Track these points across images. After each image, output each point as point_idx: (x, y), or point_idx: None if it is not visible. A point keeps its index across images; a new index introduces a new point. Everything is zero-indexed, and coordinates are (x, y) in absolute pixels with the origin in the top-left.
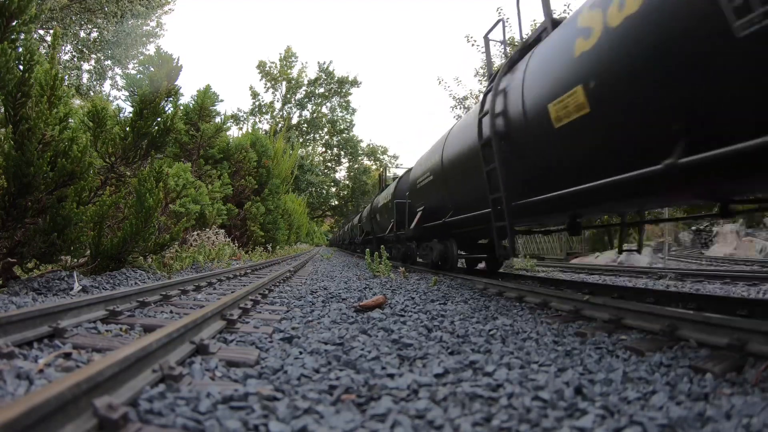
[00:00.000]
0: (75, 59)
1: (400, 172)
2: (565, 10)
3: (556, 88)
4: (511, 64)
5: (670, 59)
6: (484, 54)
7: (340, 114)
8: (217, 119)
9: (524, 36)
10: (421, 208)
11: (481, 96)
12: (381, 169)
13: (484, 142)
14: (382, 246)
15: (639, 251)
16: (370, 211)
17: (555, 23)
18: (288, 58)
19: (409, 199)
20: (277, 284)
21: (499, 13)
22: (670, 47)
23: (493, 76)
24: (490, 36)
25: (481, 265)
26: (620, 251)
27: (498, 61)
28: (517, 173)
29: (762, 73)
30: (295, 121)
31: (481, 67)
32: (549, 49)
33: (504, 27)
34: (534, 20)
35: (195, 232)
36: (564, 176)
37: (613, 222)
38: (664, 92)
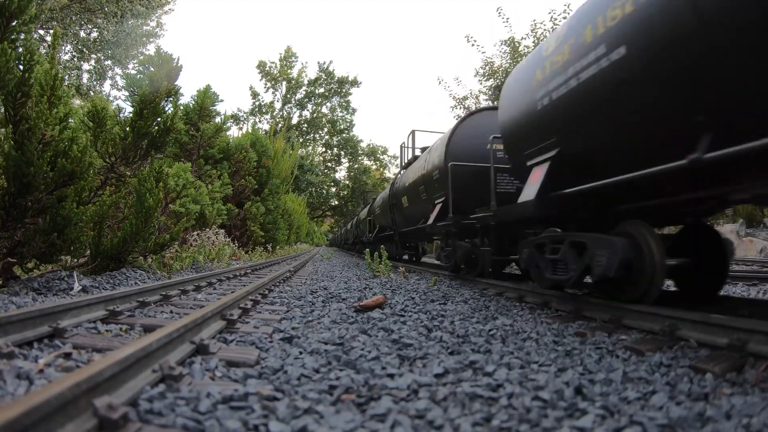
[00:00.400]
0: (75, 59)
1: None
2: (565, 10)
3: (407, 191)
4: (406, 167)
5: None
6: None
7: (340, 114)
8: (217, 119)
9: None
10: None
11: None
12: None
13: (392, 203)
14: (382, 246)
15: None
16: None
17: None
18: (288, 58)
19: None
20: (277, 284)
21: (499, 13)
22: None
23: (399, 171)
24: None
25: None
26: None
27: (498, 60)
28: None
29: None
30: (295, 121)
31: (481, 67)
32: (410, 170)
33: (414, 137)
34: (534, 20)
35: (195, 232)
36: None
37: None
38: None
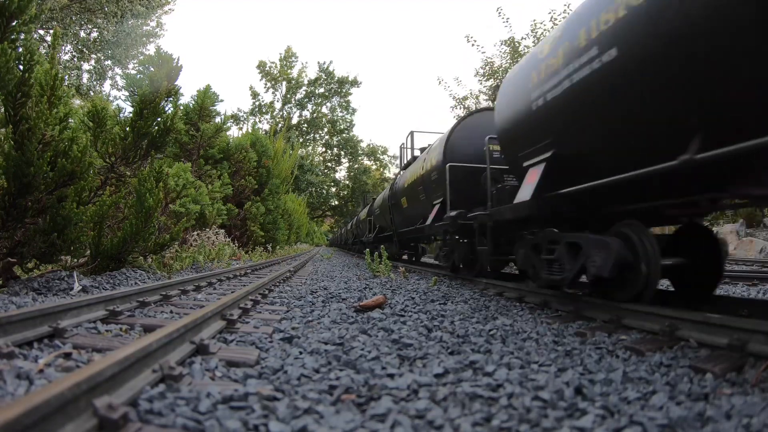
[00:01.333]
0: (75, 59)
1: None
2: (565, 10)
3: (406, 191)
4: (405, 167)
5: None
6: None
7: (340, 114)
8: (217, 119)
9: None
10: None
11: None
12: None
13: (391, 203)
14: (383, 246)
15: None
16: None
17: (417, 155)
18: (288, 58)
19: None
20: (277, 284)
21: (500, 12)
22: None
23: (398, 172)
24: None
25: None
26: None
27: (498, 60)
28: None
29: None
30: (295, 121)
31: (481, 67)
32: (409, 171)
33: (413, 138)
34: (534, 20)
35: (195, 232)
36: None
37: None
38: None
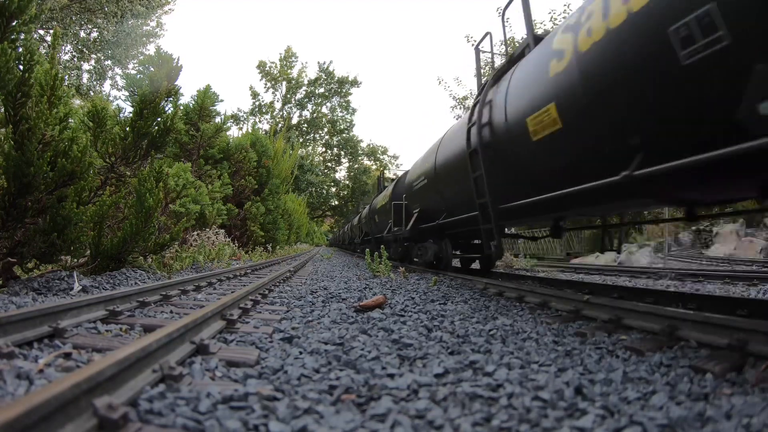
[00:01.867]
0: (75, 59)
1: (399, 173)
2: (565, 10)
3: (534, 103)
4: (498, 77)
5: (629, 82)
6: (475, 64)
7: (340, 114)
8: (217, 119)
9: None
10: (417, 210)
11: (471, 104)
12: (380, 170)
13: (472, 150)
14: (382, 246)
15: (618, 251)
16: (369, 212)
17: (537, 40)
18: (288, 58)
19: (406, 201)
20: (277, 284)
21: (500, 13)
22: (629, 72)
23: (481, 88)
24: (481, 47)
25: (475, 264)
26: (618, 251)
27: (498, 60)
28: (501, 180)
29: (700, 95)
30: (295, 121)
31: (481, 67)
32: (529, 66)
33: (491, 40)
34: (534, 20)
35: (195, 232)
36: (542, 184)
37: (612, 222)
38: (625, 112)
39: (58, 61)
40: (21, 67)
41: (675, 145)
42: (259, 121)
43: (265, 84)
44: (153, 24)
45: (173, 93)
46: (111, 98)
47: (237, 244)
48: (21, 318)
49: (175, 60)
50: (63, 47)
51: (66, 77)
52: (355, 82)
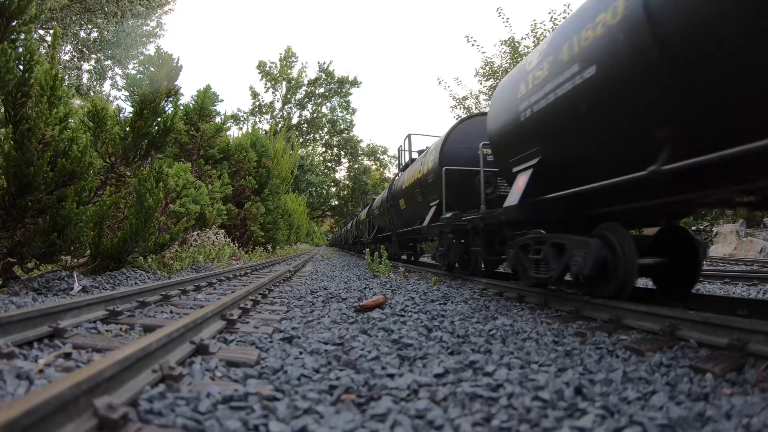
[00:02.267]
0: (75, 59)
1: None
2: (565, 10)
3: (404, 193)
4: (403, 169)
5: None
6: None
7: (340, 114)
8: (217, 119)
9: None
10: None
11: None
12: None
13: (389, 204)
14: (382, 246)
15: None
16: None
17: (415, 158)
18: (288, 58)
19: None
20: (277, 284)
21: (500, 13)
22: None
23: (397, 173)
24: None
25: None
26: None
27: (498, 61)
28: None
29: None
30: (295, 121)
31: (481, 68)
32: (407, 173)
33: (410, 141)
34: (534, 20)
35: (195, 232)
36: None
37: None
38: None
39: (58, 61)
40: (21, 67)
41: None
42: (259, 121)
43: (265, 84)
44: (153, 24)
45: (173, 93)
46: (111, 98)
47: (237, 244)
48: (21, 318)
49: (175, 60)
50: (63, 47)
51: (66, 77)
52: (355, 82)
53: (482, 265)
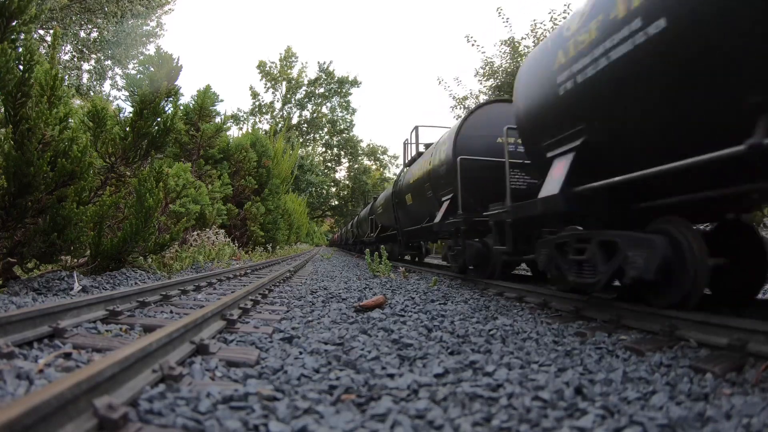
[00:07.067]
0: (75, 59)
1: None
2: (565, 10)
3: (411, 188)
4: (409, 164)
5: None
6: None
7: (340, 114)
8: (217, 119)
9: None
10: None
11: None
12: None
13: (395, 201)
14: (382, 246)
15: None
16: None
17: (422, 151)
18: (288, 58)
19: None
20: (277, 284)
21: (500, 13)
22: None
23: (402, 169)
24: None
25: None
26: None
27: (498, 61)
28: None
29: None
30: (295, 121)
31: (481, 67)
32: (414, 166)
33: (417, 133)
34: (534, 20)
35: (195, 232)
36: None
37: None
38: None
39: (58, 61)
40: (21, 67)
41: None
42: (259, 121)
43: (265, 84)
44: (153, 24)
45: (173, 93)
46: (111, 98)
47: (237, 244)
48: (21, 318)
49: (175, 60)
50: (63, 47)
51: (66, 77)
52: (355, 82)
53: (500, 268)
